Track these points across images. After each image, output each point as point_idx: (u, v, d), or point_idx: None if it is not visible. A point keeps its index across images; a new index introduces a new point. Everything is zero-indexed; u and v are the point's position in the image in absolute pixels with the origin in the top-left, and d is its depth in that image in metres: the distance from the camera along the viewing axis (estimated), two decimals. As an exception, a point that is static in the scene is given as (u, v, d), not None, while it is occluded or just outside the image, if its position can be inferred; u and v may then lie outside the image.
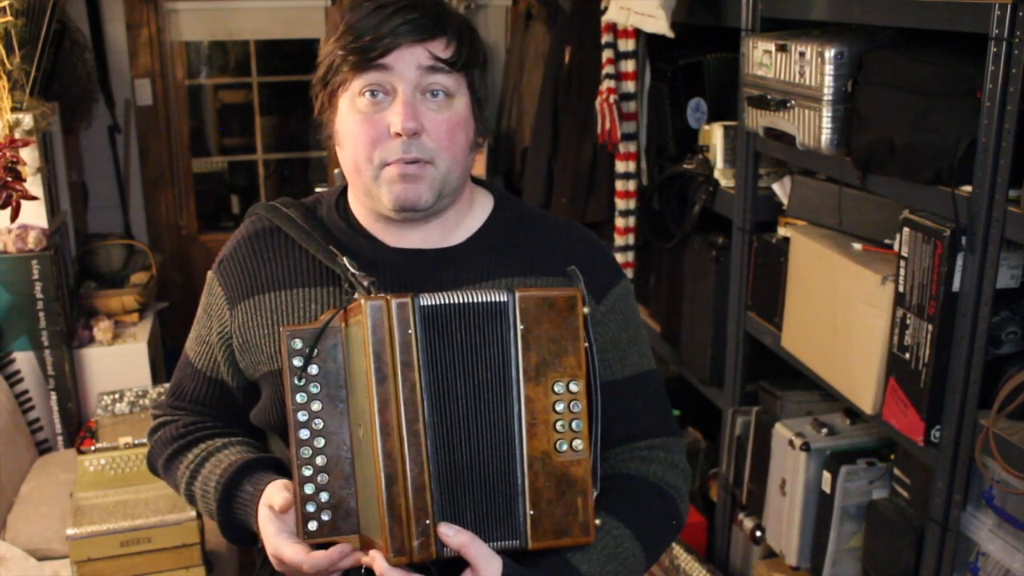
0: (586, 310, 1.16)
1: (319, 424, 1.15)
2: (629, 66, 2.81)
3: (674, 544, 2.60)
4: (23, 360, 2.97)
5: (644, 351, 1.34)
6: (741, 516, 2.60)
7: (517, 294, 1.13)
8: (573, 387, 1.14)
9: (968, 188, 1.70)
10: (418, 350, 1.10)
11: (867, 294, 1.97)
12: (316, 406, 1.15)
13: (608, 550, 1.20)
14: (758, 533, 2.50)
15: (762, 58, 2.19)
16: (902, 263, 1.85)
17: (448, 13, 1.21)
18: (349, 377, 1.15)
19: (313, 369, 1.15)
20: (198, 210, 4.52)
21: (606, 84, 2.82)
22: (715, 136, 2.57)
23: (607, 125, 2.83)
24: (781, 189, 2.40)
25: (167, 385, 1.74)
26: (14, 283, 2.88)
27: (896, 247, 1.88)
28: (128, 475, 2.54)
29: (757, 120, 2.25)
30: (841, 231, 2.18)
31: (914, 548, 1.94)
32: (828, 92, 1.98)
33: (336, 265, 1.22)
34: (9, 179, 2.40)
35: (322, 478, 1.14)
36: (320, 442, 1.14)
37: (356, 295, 1.18)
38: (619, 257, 2.97)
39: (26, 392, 3.00)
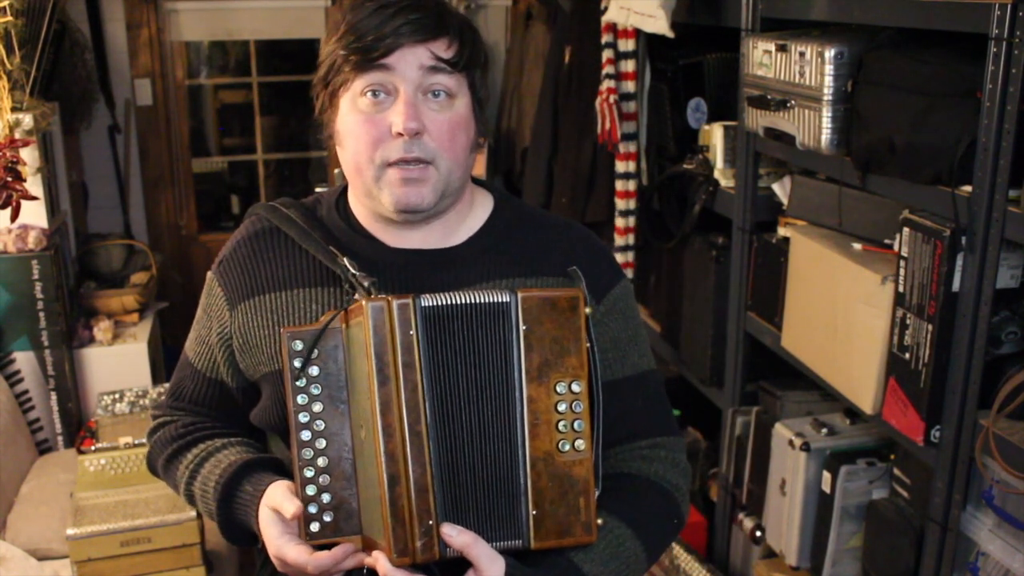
0: (587, 310, 1.16)
1: (320, 425, 1.15)
2: (629, 66, 2.81)
3: (674, 544, 2.60)
4: (23, 360, 2.97)
5: (644, 351, 1.35)
6: (741, 516, 2.60)
7: (519, 294, 1.13)
8: (575, 387, 1.14)
9: (968, 188, 1.70)
10: (420, 351, 1.10)
11: (867, 294, 1.97)
12: (317, 407, 1.15)
13: (610, 549, 1.20)
14: (758, 533, 2.50)
15: (762, 58, 2.19)
16: (902, 263, 1.85)
17: (449, 13, 1.21)
18: (350, 378, 1.15)
19: (314, 370, 1.15)
20: (198, 210, 4.52)
21: (606, 84, 2.82)
22: (715, 136, 2.57)
23: (607, 125, 2.83)
24: (781, 189, 2.40)
25: (167, 385, 1.74)
26: (14, 283, 2.88)
27: (896, 247, 1.88)
28: (128, 475, 2.54)
29: (757, 120, 2.25)
30: (841, 231, 2.18)
31: (914, 548, 1.94)
32: (828, 92, 1.98)
33: (336, 266, 1.22)
34: (9, 179, 2.40)
35: (324, 479, 1.14)
36: (321, 443, 1.14)
37: (357, 296, 1.18)
38: (619, 257, 2.98)
39: (26, 392, 3.00)
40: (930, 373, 1.79)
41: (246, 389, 1.33)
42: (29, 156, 2.76)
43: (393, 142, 1.17)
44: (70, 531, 2.36)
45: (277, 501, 1.17)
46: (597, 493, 1.16)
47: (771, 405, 2.52)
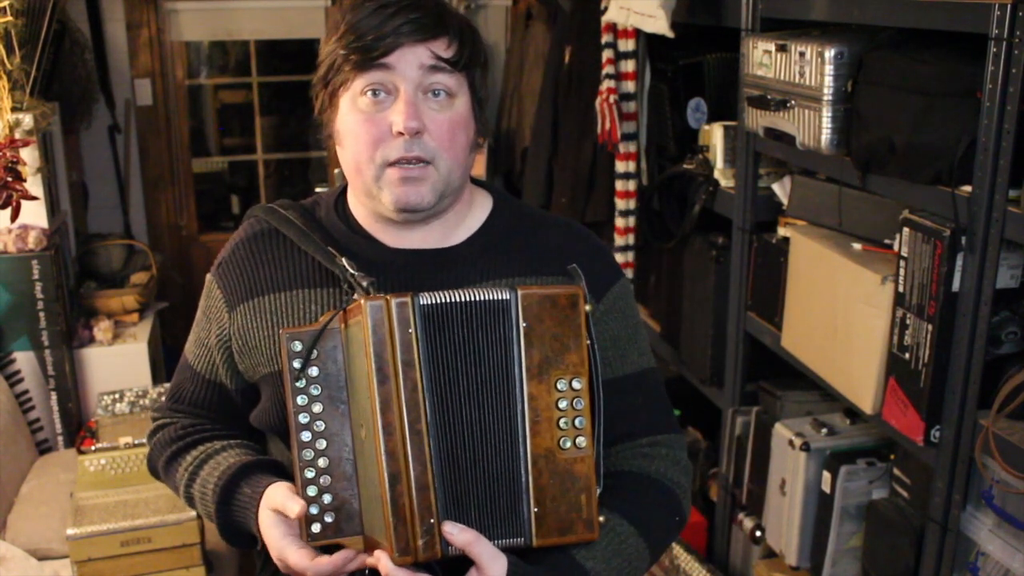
0: (588, 307, 1.16)
1: (320, 426, 1.15)
2: (629, 66, 2.81)
3: (674, 544, 2.61)
4: (23, 360, 2.97)
5: (643, 349, 1.35)
6: (741, 516, 2.60)
7: (519, 292, 1.13)
8: (576, 384, 1.14)
9: (968, 188, 1.70)
10: (419, 349, 1.10)
11: (867, 294, 1.97)
12: (317, 408, 1.15)
13: (612, 546, 1.20)
14: (758, 533, 2.50)
15: (762, 58, 2.20)
16: (902, 263, 1.85)
17: (449, 13, 1.21)
18: (350, 378, 1.15)
19: (313, 371, 1.15)
20: (198, 210, 4.52)
21: (606, 84, 2.82)
22: (715, 136, 2.58)
23: (607, 125, 2.83)
24: (781, 189, 2.40)
25: (167, 385, 1.74)
26: (14, 283, 2.88)
27: (896, 247, 1.88)
28: (128, 475, 2.55)
29: (757, 120, 2.25)
30: (841, 231, 2.18)
31: (914, 548, 1.94)
32: (828, 92, 1.98)
33: (335, 266, 1.22)
34: (9, 179, 2.40)
35: (324, 480, 1.14)
36: (322, 444, 1.14)
37: (355, 296, 1.18)
38: (619, 257, 2.98)
39: (26, 392, 3.00)
40: (930, 373, 1.79)
41: (245, 391, 1.33)
42: (29, 156, 2.76)
43: (393, 141, 1.17)
44: (70, 531, 2.36)
45: (279, 502, 1.17)
46: (599, 490, 1.16)
47: (771, 405, 2.52)
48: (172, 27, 4.25)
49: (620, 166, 2.91)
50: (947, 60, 1.76)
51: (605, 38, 2.82)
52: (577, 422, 1.14)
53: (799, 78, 2.06)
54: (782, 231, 2.38)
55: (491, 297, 1.13)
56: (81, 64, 3.76)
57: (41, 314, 2.92)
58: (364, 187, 1.22)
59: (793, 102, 2.09)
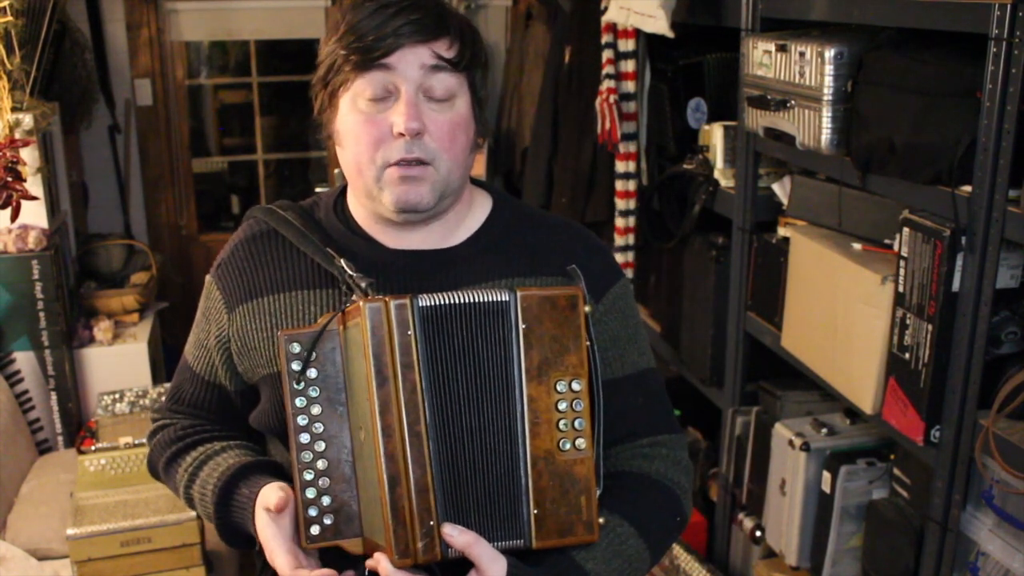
0: (587, 308, 1.16)
1: (319, 428, 1.14)
2: (629, 66, 2.81)
3: (674, 544, 2.61)
4: (23, 360, 2.97)
5: (644, 349, 1.35)
6: (741, 516, 2.60)
7: (518, 293, 1.13)
8: (575, 386, 1.14)
9: (968, 188, 1.70)
10: (418, 351, 1.10)
11: (867, 294, 1.97)
12: (316, 410, 1.15)
13: (613, 548, 1.20)
14: (758, 533, 2.50)
15: (762, 58, 2.19)
16: (902, 263, 1.85)
17: (450, 14, 1.21)
18: (348, 380, 1.15)
19: (312, 373, 1.15)
20: (198, 210, 4.52)
21: (606, 84, 2.82)
22: (715, 136, 2.57)
23: (607, 125, 2.83)
24: (781, 189, 2.40)
25: (167, 385, 1.73)
26: (14, 283, 2.88)
27: (896, 247, 1.88)
28: (128, 475, 2.55)
29: (757, 120, 2.25)
30: (841, 231, 2.18)
31: (914, 548, 1.94)
32: (828, 92, 1.98)
33: (333, 267, 1.22)
34: (9, 179, 2.40)
35: (323, 482, 1.14)
36: (321, 446, 1.14)
37: (354, 297, 1.18)
38: (619, 257, 2.98)
39: (26, 392, 3.00)
40: (930, 373, 1.79)
41: (244, 392, 1.33)
42: (29, 156, 2.76)
43: (394, 142, 1.17)
44: (70, 531, 2.36)
45: (267, 498, 1.17)
46: (599, 492, 1.16)
47: (771, 405, 2.52)
48: (172, 27, 4.25)
49: (620, 166, 2.91)
50: (947, 60, 1.76)
51: (605, 38, 2.82)
52: (577, 424, 1.14)
53: (799, 78, 2.06)
54: (782, 231, 2.38)
55: (490, 298, 1.13)
56: (81, 64, 3.76)
57: (41, 314, 2.93)
58: (365, 188, 1.22)
59: (793, 102, 2.09)
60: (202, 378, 1.35)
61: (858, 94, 1.93)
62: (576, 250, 1.31)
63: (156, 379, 3.30)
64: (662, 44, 2.73)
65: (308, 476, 1.14)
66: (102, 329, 3.21)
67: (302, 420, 1.14)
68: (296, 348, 1.14)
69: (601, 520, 1.17)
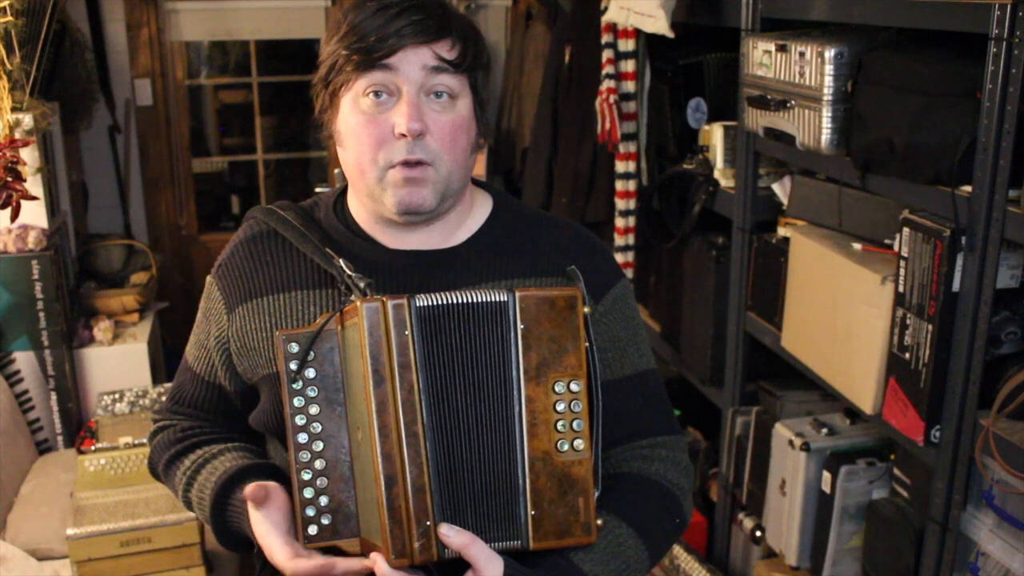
0: (586, 309, 1.16)
1: (317, 428, 1.14)
2: (629, 66, 2.81)
3: (674, 544, 2.60)
4: (23, 360, 2.97)
5: (643, 350, 1.34)
6: (741, 516, 2.60)
7: (517, 294, 1.13)
8: (574, 387, 1.14)
9: (968, 188, 1.70)
10: (415, 351, 1.10)
11: (867, 294, 1.97)
12: (314, 410, 1.14)
13: (611, 549, 1.20)
14: (758, 533, 2.50)
15: (762, 58, 2.19)
16: (902, 263, 1.85)
17: (452, 14, 1.21)
18: (346, 380, 1.14)
19: (310, 372, 1.15)
20: (198, 210, 4.52)
21: (606, 84, 2.82)
22: (715, 136, 2.57)
23: (607, 125, 2.83)
24: (781, 189, 2.40)
25: (167, 385, 1.74)
26: (14, 283, 2.88)
27: (896, 247, 1.88)
28: (128, 475, 2.55)
29: (757, 120, 2.25)
30: (841, 231, 2.18)
31: (914, 548, 1.94)
32: (828, 92, 1.98)
33: (332, 267, 1.22)
34: (9, 179, 2.40)
35: (321, 482, 1.14)
36: (318, 445, 1.14)
37: (352, 297, 1.17)
38: (619, 257, 2.97)
39: (26, 392, 3.00)
40: (930, 373, 1.79)
41: (244, 393, 1.33)
42: (29, 156, 2.76)
43: (396, 143, 1.17)
44: (70, 531, 2.36)
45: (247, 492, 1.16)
46: (597, 493, 1.16)
47: (771, 405, 2.52)
48: (172, 27, 4.25)
49: (620, 166, 2.91)
50: (947, 60, 1.76)
51: (605, 38, 2.81)
52: (575, 425, 1.14)
53: (799, 78, 2.06)
54: (782, 231, 2.38)
55: (488, 299, 1.13)
56: (81, 64, 3.76)
57: (41, 314, 2.93)
58: (367, 189, 1.21)
59: (793, 102, 2.09)
60: (202, 379, 1.35)
61: (858, 94, 1.93)
62: (576, 251, 1.30)
63: (156, 379, 3.30)
64: (662, 44, 2.72)
65: (306, 476, 1.14)
66: (102, 329, 3.21)
67: (300, 420, 1.14)
68: (294, 348, 1.14)
69: (599, 521, 1.16)
